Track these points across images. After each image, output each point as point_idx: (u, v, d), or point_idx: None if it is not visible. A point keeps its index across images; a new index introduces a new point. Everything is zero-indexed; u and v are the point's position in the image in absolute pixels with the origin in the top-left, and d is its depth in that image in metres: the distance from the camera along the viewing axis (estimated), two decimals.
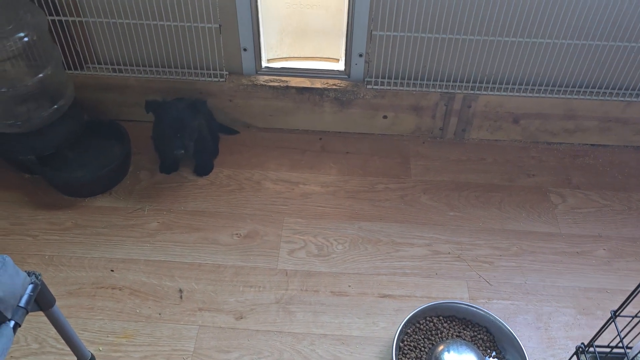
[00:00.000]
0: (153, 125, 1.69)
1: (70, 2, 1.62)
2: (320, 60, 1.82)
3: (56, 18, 1.65)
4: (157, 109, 1.60)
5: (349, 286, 1.48)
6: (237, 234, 1.59)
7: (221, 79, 1.77)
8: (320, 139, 1.88)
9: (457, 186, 1.74)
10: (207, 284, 1.47)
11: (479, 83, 1.75)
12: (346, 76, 1.80)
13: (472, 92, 1.76)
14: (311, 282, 1.48)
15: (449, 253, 1.56)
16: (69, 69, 1.76)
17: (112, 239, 1.57)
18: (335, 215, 1.65)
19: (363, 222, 1.63)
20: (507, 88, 1.75)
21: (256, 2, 1.64)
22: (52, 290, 1.08)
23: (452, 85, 1.76)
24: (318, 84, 1.78)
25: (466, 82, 1.76)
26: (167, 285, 1.46)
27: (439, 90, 1.76)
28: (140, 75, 1.77)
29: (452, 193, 1.72)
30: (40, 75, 1.56)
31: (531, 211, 1.67)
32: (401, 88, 1.76)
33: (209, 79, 1.77)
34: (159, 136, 1.68)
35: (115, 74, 1.77)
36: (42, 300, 1.02)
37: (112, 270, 1.49)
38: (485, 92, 1.75)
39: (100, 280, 1.47)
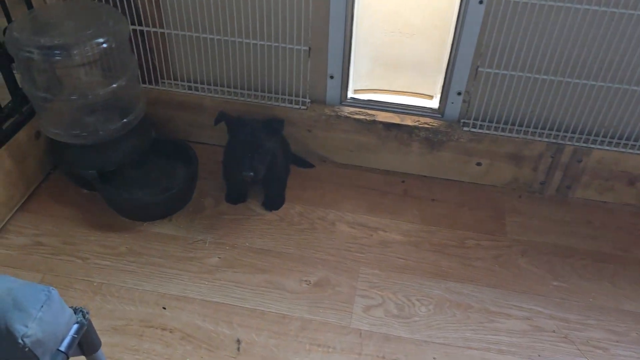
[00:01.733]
0: (225, 149, 1.55)
1: (155, 12, 1.52)
2: (411, 96, 1.65)
3: (137, 28, 1.55)
4: (229, 122, 1.45)
5: (434, 359, 1.25)
6: (306, 280, 1.40)
7: (302, 107, 1.62)
8: (403, 181, 1.69)
9: (561, 251, 1.50)
10: (270, 337, 1.27)
11: (594, 136, 1.53)
12: (439, 115, 1.62)
13: (584, 145, 1.54)
14: (389, 349, 1.26)
15: (554, 331, 1.32)
16: (143, 82, 1.65)
17: (167, 272, 1.41)
18: (418, 271, 1.44)
19: (451, 283, 1.41)
20: (627, 144, 1.52)
21: (352, 26, 1.49)
22: (97, 323, 0.92)
23: (562, 136, 1.55)
24: (408, 120, 1.60)
25: (579, 134, 1.54)
26: (223, 333, 1.28)
27: (546, 139, 1.55)
28: (216, 95, 1.64)
29: (554, 258, 1.48)
30: (114, 85, 1.45)
31: None
32: (502, 133, 1.56)
33: (290, 105, 1.62)
34: (228, 159, 1.53)
35: (190, 91, 1.65)
36: (86, 343, 0.85)
37: (164, 308, 1.32)
38: (600, 147, 1.53)
39: (150, 317, 1.30)
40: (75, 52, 1.35)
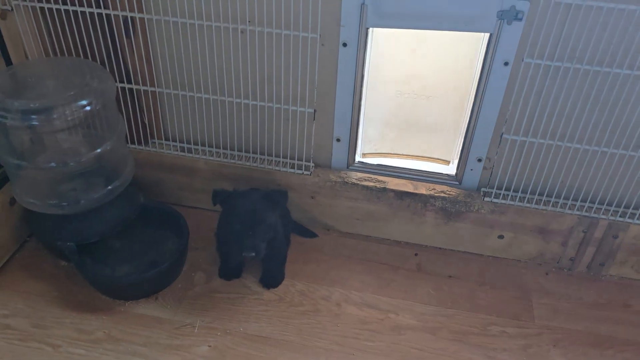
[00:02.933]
0: (219, 221, 1.39)
1: (146, 70, 1.39)
2: (426, 161, 1.50)
3: (126, 86, 1.41)
4: (227, 199, 1.30)
5: None
6: None
7: (306, 172, 1.47)
8: (416, 254, 1.52)
9: (598, 341, 1.32)
10: None
11: (632, 209, 1.37)
12: (457, 183, 1.47)
13: (621, 219, 1.38)
14: None
15: None
16: (132, 142, 1.51)
17: None
18: None
19: None
20: None
21: (361, 87, 1.36)
22: None
23: (595, 209, 1.39)
24: (423, 189, 1.45)
25: (615, 207, 1.38)
26: None
27: (577, 212, 1.39)
28: (211, 158, 1.50)
29: (591, 350, 1.30)
30: (98, 150, 1.30)
31: None
32: (528, 205, 1.40)
33: (292, 170, 1.47)
34: (224, 233, 1.37)
35: (183, 153, 1.51)
36: None
37: None
38: (639, 222, 1.37)
39: None
40: (54, 116, 1.21)
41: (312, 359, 1.25)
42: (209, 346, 1.27)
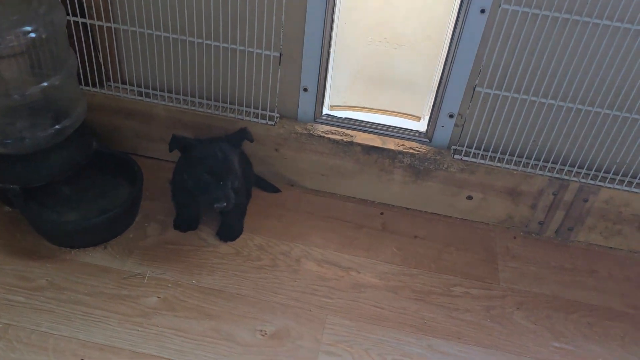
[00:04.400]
0: (175, 170, 1.31)
1: (101, 3, 1.29)
2: (396, 116, 1.44)
3: (80, 20, 1.31)
4: (188, 147, 1.22)
5: None
6: (261, 330, 1.16)
7: (270, 122, 1.40)
8: (382, 213, 1.46)
9: (562, 305, 1.29)
10: None
11: (604, 172, 1.33)
12: (427, 140, 1.41)
13: (592, 182, 1.34)
14: None
15: None
16: (86, 84, 1.41)
17: (93, 313, 1.15)
18: (396, 323, 1.21)
19: (434, 339, 1.18)
20: None
21: (331, 32, 1.28)
22: None
23: (567, 171, 1.35)
24: (391, 144, 1.39)
25: (587, 169, 1.34)
26: None
27: (548, 174, 1.35)
28: (170, 104, 1.41)
29: (555, 314, 1.27)
30: (44, 84, 1.20)
31: None
32: (498, 164, 1.35)
33: (255, 119, 1.40)
34: (186, 183, 1.28)
35: (141, 97, 1.42)
36: None
37: None
38: (610, 185, 1.33)
39: None
40: None
41: (267, 314, 1.19)
42: (158, 297, 1.20)
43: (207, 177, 1.17)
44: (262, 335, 1.15)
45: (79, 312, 1.15)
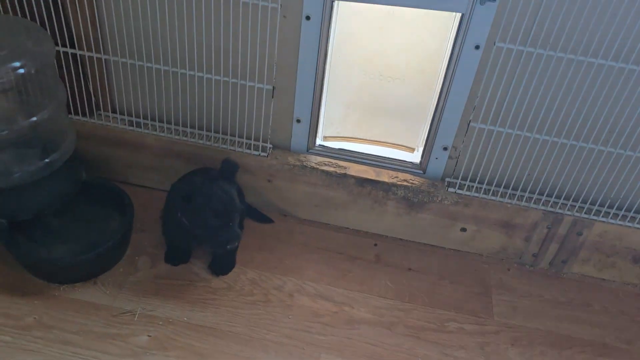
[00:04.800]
0: (165, 203, 1.29)
1: (90, 35, 1.27)
2: (390, 147, 1.43)
3: (69, 50, 1.29)
4: (189, 197, 1.16)
5: None
6: None
7: (262, 153, 1.38)
8: (376, 244, 1.45)
9: (557, 340, 1.28)
10: None
11: (598, 206, 1.33)
12: (421, 171, 1.40)
13: (586, 216, 1.33)
14: None
15: None
16: (76, 113, 1.39)
17: (82, 353, 1.13)
18: None
19: None
20: (635, 218, 1.32)
21: (324, 64, 1.27)
22: None
23: (561, 204, 1.34)
24: (385, 176, 1.38)
25: (581, 203, 1.33)
26: None
27: (542, 207, 1.34)
28: (161, 134, 1.39)
29: (550, 350, 1.26)
30: (34, 118, 1.18)
31: None
32: (492, 197, 1.35)
33: (248, 150, 1.38)
34: (175, 212, 1.25)
35: (132, 127, 1.40)
36: None
37: None
38: (604, 219, 1.33)
39: None
40: None
41: (259, 352, 1.18)
42: (149, 336, 1.18)
43: (215, 220, 1.15)
44: None
45: (68, 352, 1.13)
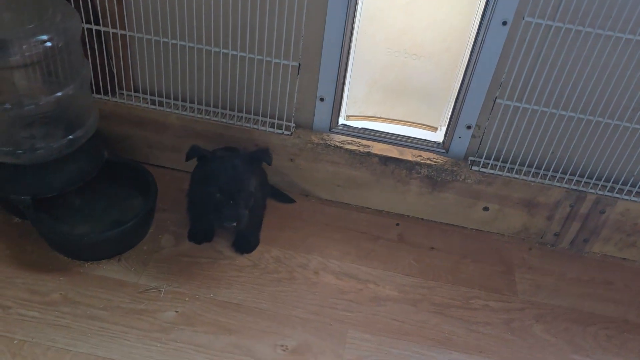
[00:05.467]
0: (191, 180, 1.29)
1: (116, 10, 1.27)
2: (412, 126, 1.43)
3: (94, 27, 1.29)
4: (205, 160, 1.20)
5: None
6: (282, 345, 1.14)
7: (286, 132, 1.38)
8: (398, 224, 1.45)
9: (580, 317, 1.29)
10: None
11: (621, 185, 1.33)
12: (444, 151, 1.40)
13: (609, 194, 1.34)
14: None
15: None
16: (98, 92, 1.39)
17: (110, 329, 1.13)
18: (417, 337, 1.20)
19: (456, 353, 1.17)
20: None
21: (350, 41, 1.27)
22: None
23: (584, 182, 1.35)
24: (408, 155, 1.38)
25: (604, 181, 1.34)
26: None
27: (565, 185, 1.35)
28: (184, 113, 1.39)
29: (573, 326, 1.27)
30: (59, 94, 1.18)
31: None
32: (516, 176, 1.35)
33: (271, 129, 1.38)
34: (199, 197, 1.25)
35: (154, 106, 1.39)
36: None
37: None
38: (627, 197, 1.33)
39: None
40: (11, 50, 1.08)
41: (287, 328, 1.18)
42: (176, 312, 1.18)
43: (219, 195, 1.15)
44: (284, 351, 1.13)
45: (96, 327, 1.13)
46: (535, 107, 1.25)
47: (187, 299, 1.21)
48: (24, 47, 1.09)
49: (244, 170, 1.16)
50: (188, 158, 1.20)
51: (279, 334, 1.16)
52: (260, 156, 1.21)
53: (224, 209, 1.13)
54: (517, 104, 1.25)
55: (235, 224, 1.14)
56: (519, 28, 1.16)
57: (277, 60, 1.28)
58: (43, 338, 1.10)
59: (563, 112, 1.25)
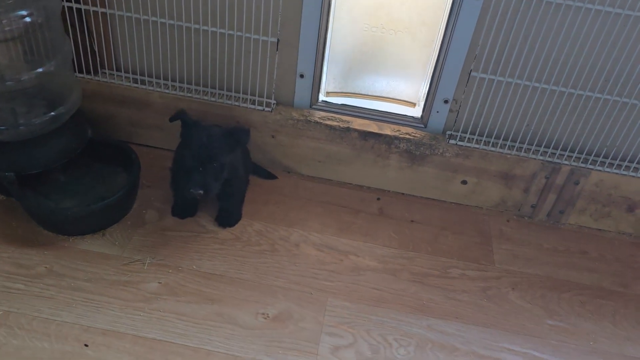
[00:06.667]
0: (175, 154, 1.31)
1: None
2: (391, 102, 1.46)
3: (74, 5, 1.30)
4: (186, 123, 1.20)
5: None
6: (263, 313, 1.17)
7: (267, 109, 1.40)
8: (379, 199, 1.48)
9: (555, 285, 1.32)
10: None
11: (595, 156, 1.37)
12: (422, 125, 1.43)
13: (583, 165, 1.37)
14: None
15: None
16: (80, 71, 1.40)
17: (94, 299, 1.15)
18: (396, 304, 1.23)
19: (433, 319, 1.21)
20: (630, 167, 1.37)
21: (327, 18, 1.29)
22: None
23: (559, 154, 1.38)
24: (387, 130, 1.40)
25: (578, 153, 1.37)
26: None
27: (541, 157, 1.38)
28: (166, 91, 1.41)
29: (549, 293, 1.30)
30: (40, 70, 1.19)
31: None
32: (492, 149, 1.38)
33: (252, 106, 1.40)
34: (177, 166, 1.28)
35: (136, 85, 1.41)
36: None
37: (86, 345, 1.07)
38: (600, 168, 1.37)
39: (67, 357, 1.04)
40: None
41: (268, 297, 1.20)
42: (159, 283, 1.20)
43: (189, 162, 1.16)
44: (265, 318, 1.16)
45: (80, 298, 1.15)
46: (510, 80, 1.28)
47: (170, 270, 1.23)
48: (4, 21, 1.10)
49: (219, 142, 1.18)
50: (172, 119, 1.21)
51: (260, 302, 1.19)
52: (238, 133, 1.22)
53: (192, 175, 1.14)
54: (492, 77, 1.28)
55: (201, 191, 1.14)
56: (492, 0, 1.18)
57: (256, 37, 1.30)
58: (28, 309, 1.12)
59: (537, 84, 1.28)
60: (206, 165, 1.16)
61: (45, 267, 1.20)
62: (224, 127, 1.25)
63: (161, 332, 1.11)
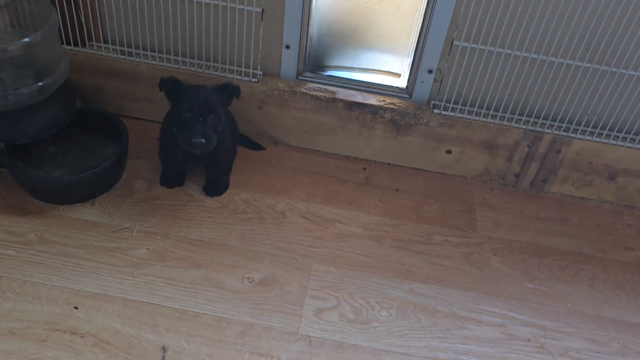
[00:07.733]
0: (163, 123, 1.33)
1: None
2: (377, 73, 1.47)
3: None
4: (176, 90, 1.22)
5: None
6: (249, 277, 1.20)
7: (253, 79, 1.42)
8: (365, 168, 1.51)
9: (536, 250, 1.35)
10: (202, 344, 1.07)
11: (575, 125, 1.39)
12: (407, 96, 1.45)
13: (564, 134, 1.39)
14: (343, 359, 1.08)
15: (529, 340, 1.16)
16: (68, 43, 1.41)
17: (83, 265, 1.18)
18: (379, 269, 1.26)
19: (415, 283, 1.24)
20: (611, 135, 1.39)
21: None
22: None
23: (540, 123, 1.40)
24: (372, 100, 1.42)
25: (559, 122, 1.39)
26: (146, 339, 1.07)
27: (524, 126, 1.40)
28: (154, 63, 1.42)
29: (529, 258, 1.33)
30: (26, 39, 1.21)
31: (633, 295, 1.28)
32: (476, 118, 1.40)
33: (239, 77, 1.42)
34: (170, 131, 1.28)
35: (123, 57, 1.42)
36: None
37: (75, 308, 1.10)
38: (581, 137, 1.39)
39: (57, 319, 1.08)
40: None
41: (254, 263, 1.23)
42: (148, 249, 1.23)
43: (187, 114, 1.18)
44: (250, 282, 1.19)
45: (70, 264, 1.18)
46: (492, 49, 1.30)
47: (158, 237, 1.26)
48: None
49: (214, 97, 1.20)
50: (161, 88, 1.22)
51: (246, 267, 1.22)
52: (230, 88, 1.24)
53: (193, 126, 1.17)
54: (474, 46, 1.30)
55: (203, 140, 1.16)
56: None
57: (240, 7, 1.31)
58: (20, 274, 1.15)
59: (518, 53, 1.29)
60: (205, 117, 1.19)
61: (36, 235, 1.23)
62: (214, 86, 1.26)
63: (149, 296, 1.14)
